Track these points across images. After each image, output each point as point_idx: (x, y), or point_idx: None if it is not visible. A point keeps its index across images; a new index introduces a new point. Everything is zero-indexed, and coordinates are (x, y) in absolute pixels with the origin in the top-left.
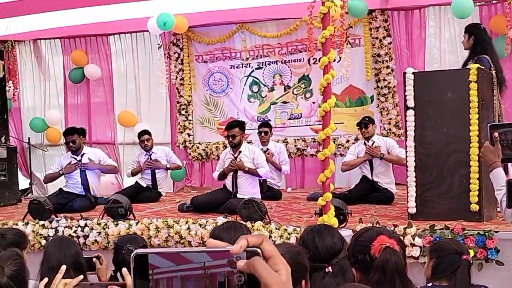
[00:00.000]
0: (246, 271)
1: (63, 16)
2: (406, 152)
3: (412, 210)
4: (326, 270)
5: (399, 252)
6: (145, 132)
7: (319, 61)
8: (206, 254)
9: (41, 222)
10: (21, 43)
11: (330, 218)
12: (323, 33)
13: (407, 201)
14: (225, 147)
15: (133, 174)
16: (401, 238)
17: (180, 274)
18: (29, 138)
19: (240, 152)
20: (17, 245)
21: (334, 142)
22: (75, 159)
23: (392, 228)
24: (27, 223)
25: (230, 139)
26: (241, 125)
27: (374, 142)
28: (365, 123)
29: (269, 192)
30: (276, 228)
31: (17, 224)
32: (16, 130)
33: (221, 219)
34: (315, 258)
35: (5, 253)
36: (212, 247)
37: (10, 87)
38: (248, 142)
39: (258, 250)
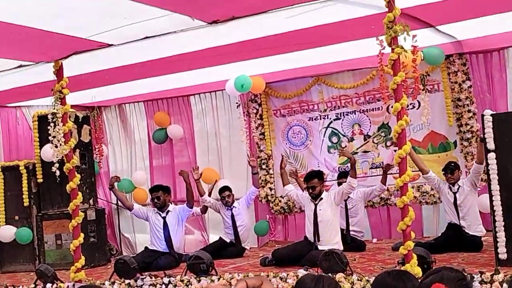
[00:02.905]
0: None
1: (146, 83)
2: (491, 196)
3: (503, 256)
4: None
5: None
6: (225, 188)
7: None
8: None
9: (127, 281)
10: (106, 108)
11: (413, 267)
12: (394, 79)
13: (495, 247)
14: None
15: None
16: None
17: None
18: (117, 200)
19: (322, 199)
20: None
21: (418, 190)
22: (160, 215)
23: (478, 275)
24: (113, 282)
25: (310, 190)
26: (319, 175)
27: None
28: (451, 169)
29: (353, 243)
30: (358, 280)
31: (103, 284)
32: (105, 193)
33: (301, 272)
34: None
35: None
36: None
37: (96, 153)
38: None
39: None
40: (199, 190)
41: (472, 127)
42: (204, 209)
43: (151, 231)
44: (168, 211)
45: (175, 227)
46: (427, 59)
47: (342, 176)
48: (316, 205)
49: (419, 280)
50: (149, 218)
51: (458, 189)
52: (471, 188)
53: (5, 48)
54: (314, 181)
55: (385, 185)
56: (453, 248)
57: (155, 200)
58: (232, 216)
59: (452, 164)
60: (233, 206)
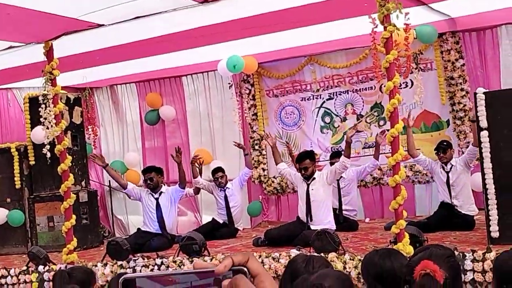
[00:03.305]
0: None
1: (137, 64)
2: (484, 174)
3: (495, 234)
4: None
5: (440, 280)
6: (218, 169)
7: None
8: (194, 275)
9: (119, 262)
10: (98, 89)
11: (405, 246)
12: (386, 57)
13: (488, 226)
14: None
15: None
16: (459, 265)
17: None
18: (109, 181)
19: (314, 179)
20: (85, 284)
21: (411, 169)
22: (153, 196)
23: (470, 254)
24: (106, 264)
25: (303, 171)
26: (311, 155)
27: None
28: (443, 148)
29: (345, 223)
30: (350, 259)
31: (96, 266)
32: (97, 175)
33: (294, 252)
34: (377, 279)
35: None
36: (199, 268)
37: (90, 134)
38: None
39: (244, 268)
40: (193, 171)
41: (465, 105)
42: (197, 190)
43: (143, 212)
44: (161, 192)
45: (168, 208)
46: (420, 37)
47: (335, 156)
48: (308, 185)
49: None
50: (142, 198)
51: (450, 168)
52: (464, 168)
53: None
54: (306, 162)
55: (377, 160)
56: (445, 227)
57: (148, 181)
58: (225, 197)
59: (444, 143)
60: (226, 187)
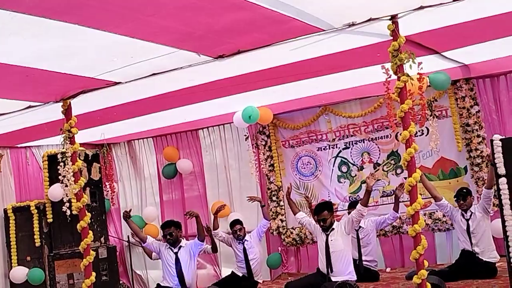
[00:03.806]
0: None
1: (154, 119)
2: (504, 222)
3: None
4: None
5: None
6: (236, 222)
7: None
8: None
9: None
10: (116, 145)
11: None
12: (401, 107)
13: (510, 273)
14: None
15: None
16: None
17: None
18: (128, 236)
19: (333, 229)
20: None
21: (430, 217)
22: (172, 250)
23: None
24: None
25: (321, 223)
26: (329, 207)
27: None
28: (463, 195)
29: (366, 274)
30: None
31: None
32: (116, 230)
33: None
34: None
35: None
36: None
37: (107, 191)
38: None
39: None
40: (214, 223)
41: (482, 152)
42: (215, 248)
43: (163, 267)
44: (181, 246)
45: (187, 263)
46: (434, 84)
47: (353, 206)
48: (327, 235)
49: None
50: (161, 253)
51: (470, 215)
52: (483, 214)
53: (14, 89)
54: (324, 213)
55: (397, 212)
56: (467, 275)
57: (168, 236)
58: (244, 249)
59: (464, 190)
60: (245, 240)
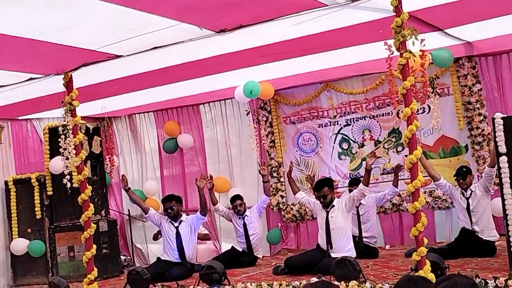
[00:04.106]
0: None
1: (155, 93)
2: (504, 200)
3: None
4: None
5: None
6: (237, 197)
7: None
8: None
9: None
10: (117, 119)
11: (426, 274)
12: (403, 84)
13: (509, 252)
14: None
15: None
16: None
17: None
18: (129, 210)
19: (333, 206)
20: None
21: (430, 195)
22: (173, 224)
23: (492, 281)
24: None
25: (321, 199)
26: (329, 183)
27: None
28: (463, 174)
29: (366, 250)
30: (371, 287)
31: None
32: (117, 204)
33: (314, 280)
34: None
35: None
36: None
37: (107, 164)
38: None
39: None
40: (212, 199)
41: (483, 130)
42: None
43: (163, 240)
44: (181, 220)
45: (188, 237)
46: (436, 61)
47: (353, 183)
48: (327, 212)
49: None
50: (162, 226)
51: (470, 194)
52: (483, 193)
53: (16, 61)
54: (324, 190)
55: (397, 187)
56: (466, 254)
57: (169, 210)
58: (244, 225)
59: (464, 169)
60: (245, 215)
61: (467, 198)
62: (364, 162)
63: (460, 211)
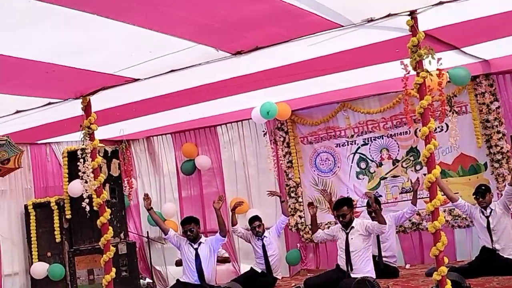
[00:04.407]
0: None
1: (173, 115)
2: None
3: None
4: None
5: None
6: (255, 218)
7: None
8: None
9: None
10: (135, 141)
11: None
12: (420, 103)
13: None
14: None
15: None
16: None
17: None
18: (147, 232)
19: (353, 228)
20: None
21: (450, 213)
22: (192, 246)
23: None
24: None
25: (341, 218)
26: (348, 202)
27: None
28: (482, 192)
29: (386, 270)
30: None
31: None
32: (135, 226)
33: None
34: None
35: None
36: None
37: (125, 186)
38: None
39: None
40: (232, 219)
41: (502, 148)
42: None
43: (183, 262)
44: (200, 242)
45: (207, 259)
46: (453, 79)
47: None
48: (347, 234)
49: None
50: (181, 247)
51: (490, 212)
52: (503, 211)
53: (34, 86)
54: (343, 209)
55: (415, 205)
56: (487, 272)
57: (188, 233)
58: (263, 246)
59: (483, 187)
60: (264, 236)
61: (487, 217)
62: (382, 181)
63: (481, 230)
